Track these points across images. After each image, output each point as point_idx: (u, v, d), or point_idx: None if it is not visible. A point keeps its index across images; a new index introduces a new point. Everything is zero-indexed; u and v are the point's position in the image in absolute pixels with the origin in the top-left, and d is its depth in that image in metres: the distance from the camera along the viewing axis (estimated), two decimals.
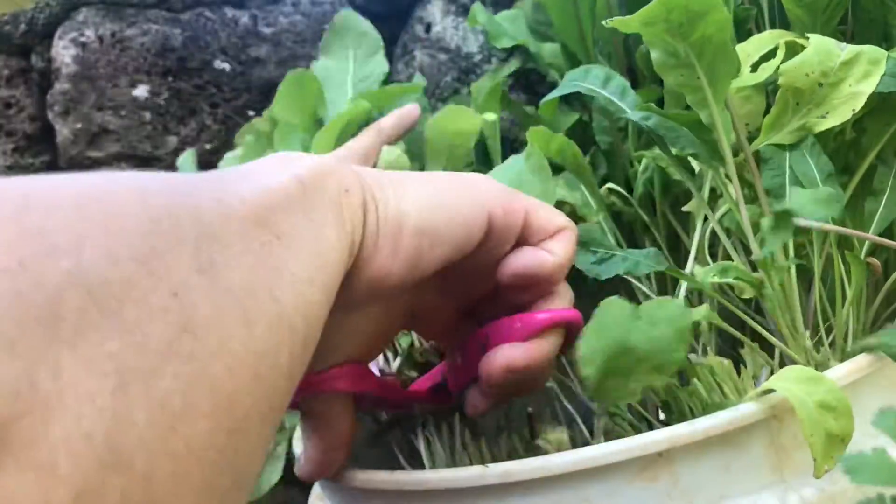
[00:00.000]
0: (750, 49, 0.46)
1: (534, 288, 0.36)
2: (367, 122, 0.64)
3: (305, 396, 0.36)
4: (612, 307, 0.34)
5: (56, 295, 0.18)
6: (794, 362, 0.39)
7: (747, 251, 0.45)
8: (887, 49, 0.41)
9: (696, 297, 0.49)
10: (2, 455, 0.16)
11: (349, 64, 0.71)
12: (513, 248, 0.36)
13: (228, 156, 0.70)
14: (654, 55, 0.40)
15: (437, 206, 0.33)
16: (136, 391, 0.19)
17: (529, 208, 0.36)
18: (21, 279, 0.18)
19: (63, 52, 0.78)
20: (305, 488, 0.47)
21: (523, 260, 0.35)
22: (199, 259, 0.22)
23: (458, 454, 0.43)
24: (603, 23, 0.40)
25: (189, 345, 0.20)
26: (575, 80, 0.48)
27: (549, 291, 0.36)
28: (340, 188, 0.30)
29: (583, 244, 0.43)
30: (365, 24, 0.73)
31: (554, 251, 0.36)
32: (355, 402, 0.38)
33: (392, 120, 0.62)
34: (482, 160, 0.66)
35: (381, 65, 0.71)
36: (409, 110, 0.63)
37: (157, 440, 0.19)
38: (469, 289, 0.38)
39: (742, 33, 0.49)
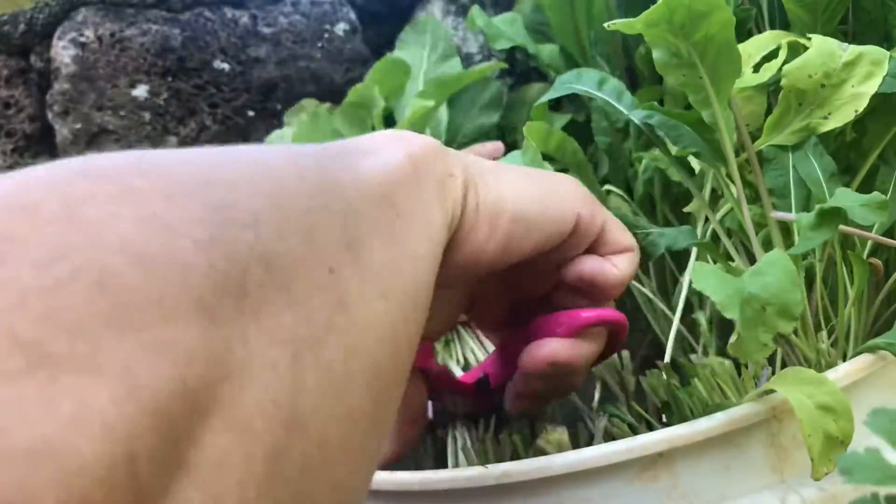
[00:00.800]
0: (751, 49, 0.46)
1: (591, 295, 0.38)
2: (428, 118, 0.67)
3: None
4: (707, 268, 0.34)
5: (243, 268, 0.19)
6: (799, 363, 0.39)
7: (748, 251, 0.45)
8: (888, 49, 0.41)
9: (696, 298, 0.49)
10: (210, 415, 0.17)
11: (423, 61, 0.74)
12: (582, 254, 0.38)
13: (275, 134, 0.71)
14: (656, 55, 0.40)
15: (533, 197, 0.34)
16: (308, 360, 0.20)
17: (607, 221, 0.38)
18: (214, 252, 0.18)
19: (62, 52, 0.77)
20: None
21: (592, 265, 0.37)
22: (346, 236, 0.23)
23: (458, 456, 0.43)
24: (605, 25, 0.40)
25: (344, 318, 0.22)
26: (568, 83, 0.48)
27: (602, 303, 0.38)
28: (446, 171, 0.31)
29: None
30: (443, 29, 0.76)
31: (619, 266, 0.38)
32: None
33: (477, 149, 0.64)
34: None
35: (455, 67, 0.73)
36: (494, 147, 0.65)
37: (327, 406, 0.20)
38: (529, 285, 0.40)
39: (742, 34, 0.49)
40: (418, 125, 0.66)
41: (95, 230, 0.17)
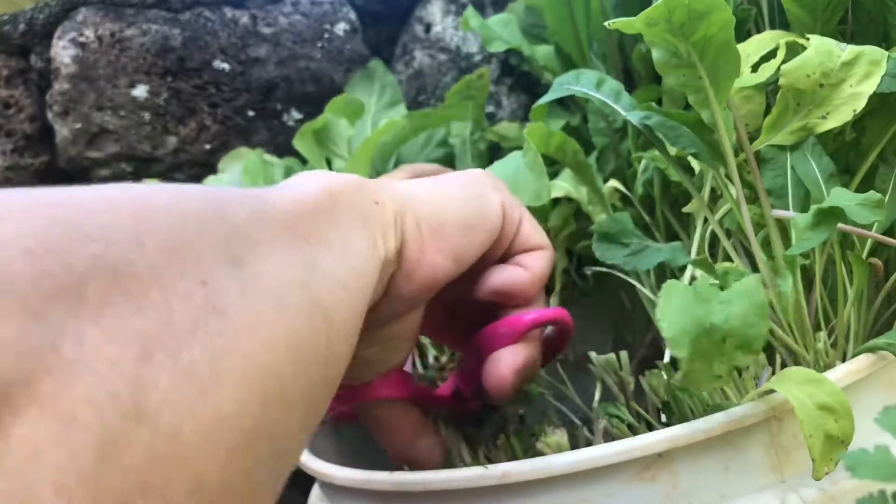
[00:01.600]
0: (750, 49, 0.46)
1: (511, 303, 0.38)
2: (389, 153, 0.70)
3: (361, 405, 0.38)
4: (676, 289, 0.34)
5: (81, 276, 0.20)
6: (798, 363, 0.39)
7: (747, 252, 0.45)
8: (887, 49, 0.41)
9: None
10: (27, 406, 0.18)
11: (371, 106, 0.77)
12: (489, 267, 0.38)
13: (210, 179, 0.73)
14: (655, 55, 0.40)
15: (465, 199, 0.35)
16: (160, 359, 0.20)
17: (523, 215, 0.38)
18: (48, 260, 0.19)
19: (62, 52, 0.77)
20: (305, 490, 0.47)
21: (499, 277, 0.38)
22: (229, 252, 0.23)
23: (455, 458, 0.43)
24: (605, 24, 0.40)
25: (217, 323, 0.22)
26: (566, 84, 0.48)
27: (525, 303, 0.38)
28: (369, 199, 0.31)
29: (612, 237, 0.43)
30: (391, 77, 0.79)
31: (529, 265, 0.38)
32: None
33: (427, 169, 0.64)
34: None
35: (400, 114, 0.76)
36: (433, 168, 0.65)
37: (184, 401, 0.20)
38: (457, 289, 0.39)
39: (741, 33, 0.49)
40: (383, 148, 0.68)
41: None
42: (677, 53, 0.39)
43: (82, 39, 0.77)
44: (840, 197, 0.37)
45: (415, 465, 0.41)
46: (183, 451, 0.20)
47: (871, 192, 0.37)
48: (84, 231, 0.20)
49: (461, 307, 0.41)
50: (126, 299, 0.20)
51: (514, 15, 0.76)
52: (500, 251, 0.38)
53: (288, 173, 0.75)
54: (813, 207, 0.36)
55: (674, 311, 0.33)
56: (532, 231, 0.38)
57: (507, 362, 0.37)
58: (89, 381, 0.19)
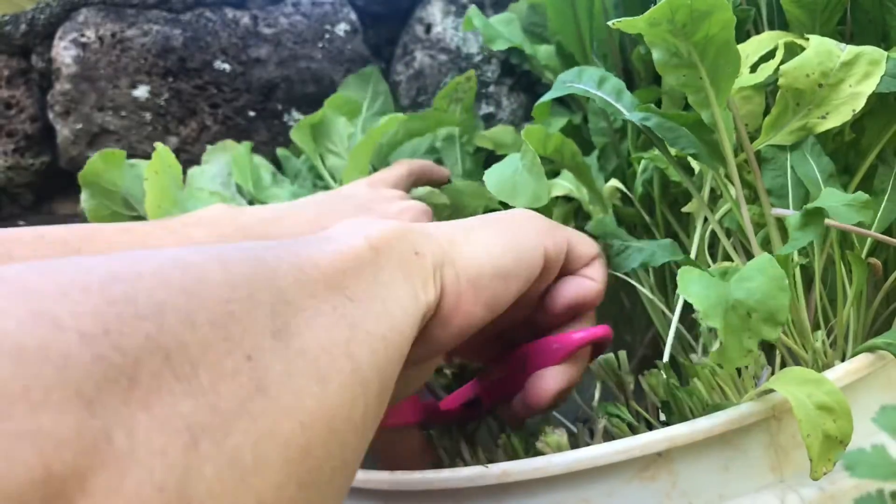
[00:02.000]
0: (749, 50, 0.46)
1: (579, 313, 0.40)
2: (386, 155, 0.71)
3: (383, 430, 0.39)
4: (692, 272, 0.34)
5: (135, 358, 0.20)
6: (797, 363, 0.39)
7: (747, 251, 0.45)
8: (886, 49, 0.41)
9: None
10: (78, 501, 0.17)
11: (363, 111, 0.77)
12: (556, 279, 0.39)
13: (195, 169, 0.72)
14: (655, 55, 0.40)
15: (504, 247, 0.35)
16: (206, 447, 0.20)
17: (571, 239, 0.39)
18: (103, 344, 0.19)
19: (63, 52, 0.78)
20: None
21: (570, 290, 0.39)
22: (274, 323, 0.24)
23: (456, 459, 0.43)
24: (609, 23, 0.40)
25: (261, 403, 0.22)
26: (569, 82, 0.48)
27: (587, 314, 0.40)
28: (411, 250, 0.32)
29: (595, 239, 0.44)
30: (384, 85, 0.79)
31: (594, 276, 0.40)
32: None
33: (425, 166, 0.65)
34: None
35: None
36: (442, 171, 0.67)
37: (227, 492, 0.21)
38: (511, 315, 0.40)
39: (740, 34, 0.49)
40: (379, 150, 0.68)
41: None
42: (678, 53, 0.39)
43: (83, 40, 0.78)
44: (828, 197, 0.37)
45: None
46: None
47: (859, 192, 0.37)
48: (138, 309, 0.21)
49: (500, 325, 0.42)
50: (176, 382, 0.20)
51: (516, 14, 0.76)
52: (545, 285, 0.39)
53: (280, 166, 0.75)
54: (802, 207, 0.37)
55: (698, 287, 0.33)
56: (582, 246, 0.40)
57: (554, 380, 0.38)
58: (139, 475, 0.19)
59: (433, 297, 0.32)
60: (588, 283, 0.39)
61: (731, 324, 0.32)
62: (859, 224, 0.37)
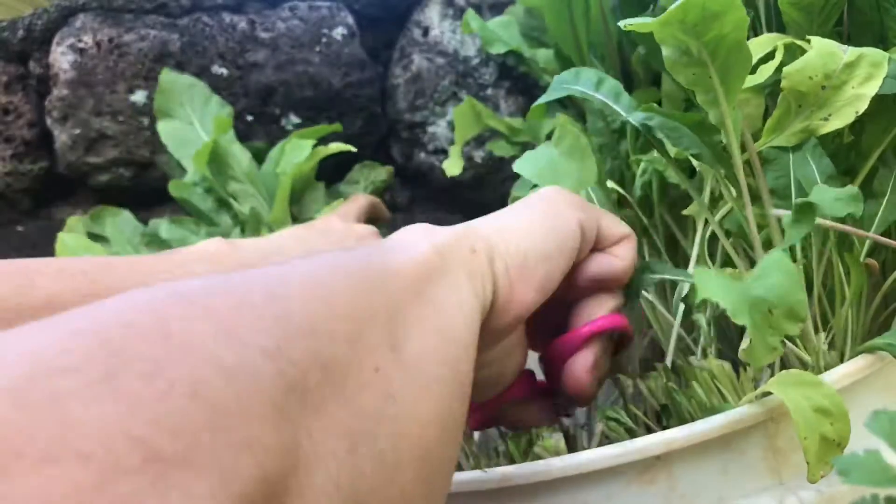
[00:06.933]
0: None
1: (605, 288, 0.41)
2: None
3: (495, 412, 0.41)
4: (706, 273, 0.35)
5: (304, 371, 0.22)
6: (797, 365, 0.39)
7: (746, 253, 0.45)
8: (883, 50, 0.41)
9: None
10: (284, 501, 0.20)
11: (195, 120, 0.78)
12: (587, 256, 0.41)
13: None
14: (665, 53, 0.40)
15: (546, 229, 0.37)
16: (364, 449, 0.23)
17: (601, 217, 0.41)
18: (281, 358, 0.21)
19: (61, 58, 0.78)
20: None
21: (598, 264, 0.40)
22: (390, 337, 0.26)
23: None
24: (620, 24, 0.40)
25: (392, 409, 0.25)
26: (566, 83, 0.48)
27: (613, 290, 0.41)
28: (469, 249, 0.34)
29: None
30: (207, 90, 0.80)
31: (621, 255, 0.41)
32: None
33: (376, 202, 0.73)
34: None
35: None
36: (386, 211, 0.75)
37: (382, 489, 0.24)
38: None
39: None
40: None
41: (185, 346, 0.20)
42: (688, 52, 0.39)
43: (81, 45, 0.78)
44: (819, 192, 0.37)
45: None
46: None
47: (849, 186, 0.37)
48: (296, 326, 0.23)
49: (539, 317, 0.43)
50: (333, 392, 0.23)
51: (514, 18, 0.77)
52: (582, 256, 0.40)
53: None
54: (794, 203, 0.37)
55: (718, 287, 0.33)
56: (613, 225, 0.41)
57: (580, 364, 0.39)
58: (322, 475, 0.21)
59: (490, 291, 0.34)
60: (615, 259, 0.40)
61: (757, 321, 0.32)
62: (850, 218, 0.37)
